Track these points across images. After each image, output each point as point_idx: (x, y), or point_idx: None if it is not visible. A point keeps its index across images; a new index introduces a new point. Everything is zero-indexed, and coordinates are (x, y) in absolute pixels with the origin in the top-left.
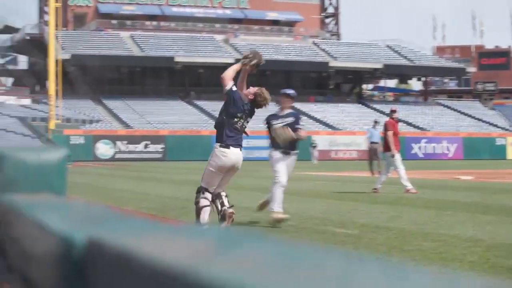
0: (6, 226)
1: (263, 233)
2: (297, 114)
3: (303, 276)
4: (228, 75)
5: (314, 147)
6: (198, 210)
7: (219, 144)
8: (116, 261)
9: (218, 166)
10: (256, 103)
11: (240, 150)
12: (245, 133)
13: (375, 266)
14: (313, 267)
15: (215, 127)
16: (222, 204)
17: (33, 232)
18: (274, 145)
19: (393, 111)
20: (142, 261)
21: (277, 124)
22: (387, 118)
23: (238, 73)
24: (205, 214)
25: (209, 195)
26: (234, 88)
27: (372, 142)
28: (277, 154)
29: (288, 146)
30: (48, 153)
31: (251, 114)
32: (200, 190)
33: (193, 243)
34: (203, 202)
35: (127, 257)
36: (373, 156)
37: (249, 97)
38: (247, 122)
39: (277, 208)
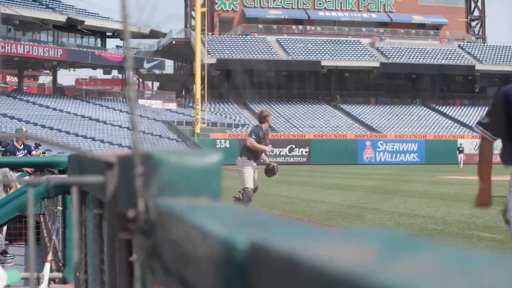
0: (163, 228)
1: (433, 238)
2: None
3: (484, 283)
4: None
5: (461, 151)
6: None
7: None
8: (281, 265)
9: None
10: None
11: (240, 156)
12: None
13: None
14: (495, 273)
15: None
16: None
17: (192, 235)
18: None
19: None
20: (310, 265)
21: None
22: None
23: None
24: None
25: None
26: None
27: None
28: None
29: None
30: (205, 156)
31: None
32: None
33: (360, 247)
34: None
35: (293, 261)
36: None
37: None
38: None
39: None
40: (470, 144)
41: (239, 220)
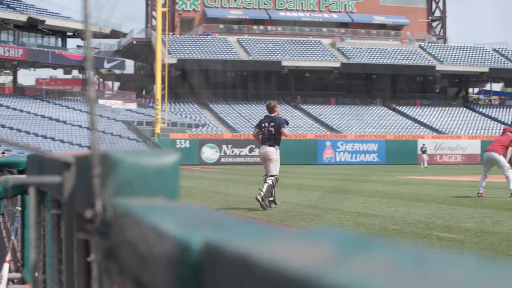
0: (119, 229)
1: (387, 237)
2: None
3: (436, 282)
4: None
5: (424, 151)
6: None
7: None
8: (235, 265)
9: (260, 156)
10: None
11: (269, 146)
12: (270, 132)
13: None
14: (445, 272)
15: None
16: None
17: (147, 235)
18: None
19: None
20: (263, 265)
21: None
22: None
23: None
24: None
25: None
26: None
27: None
28: None
29: None
30: (162, 156)
31: (273, 121)
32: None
33: (315, 248)
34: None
35: (246, 261)
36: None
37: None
38: (272, 126)
39: None
40: (430, 144)
41: (195, 220)
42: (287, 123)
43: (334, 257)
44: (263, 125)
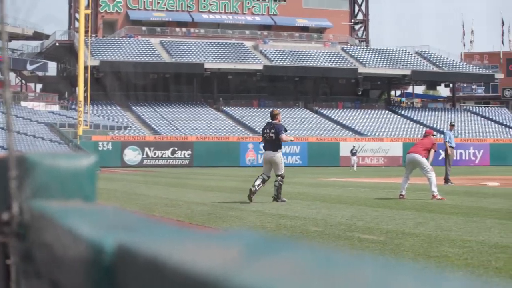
0: (35, 231)
1: (296, 239)
2: None
3: (339, 283)
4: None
5: (354, 153)
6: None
7: None
8: (147, 268)
9: (263, 160)
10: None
11: (272, 151)
12: (271, 138)
13: (413, 273)
14: (349, 273)
15: None
16: (263, 183)
17: (62, 237)
18: None
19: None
20: (174, 268)
21: None
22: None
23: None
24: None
25: (265, 176)
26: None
27: (450, 147)
28: None
29: None
30: (79, 159)
31: (273, 128)
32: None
33: (225, 250)
34: (257, 181)
35: (158, 263)
36: (450, 161)
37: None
38: (272, 132)
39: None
40: (351, 146)
41: (109, 223)
42: (285, 130)
43: (242, 259)
44: (265, 131)
